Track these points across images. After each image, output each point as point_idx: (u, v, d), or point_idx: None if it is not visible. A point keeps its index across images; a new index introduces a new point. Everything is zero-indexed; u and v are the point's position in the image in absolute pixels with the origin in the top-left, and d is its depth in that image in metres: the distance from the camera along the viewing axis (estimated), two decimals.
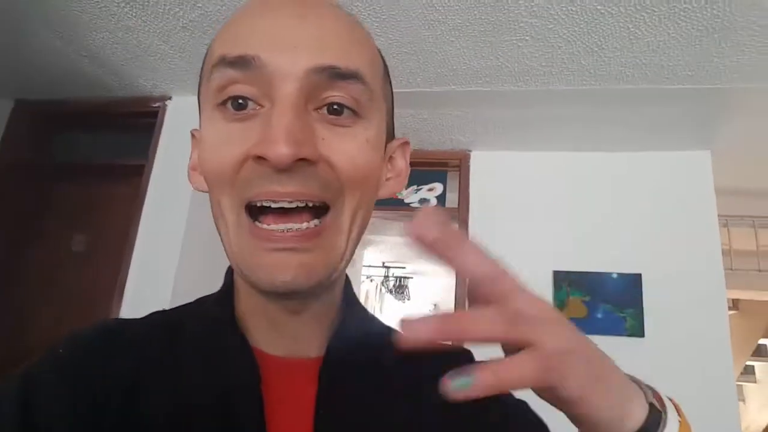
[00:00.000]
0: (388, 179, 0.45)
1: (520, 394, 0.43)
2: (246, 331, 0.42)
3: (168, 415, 0.37)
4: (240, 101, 0.36)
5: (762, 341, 4.76)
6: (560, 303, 2.01)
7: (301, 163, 0.34)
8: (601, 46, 1.54)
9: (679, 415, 0.32)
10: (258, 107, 0.36)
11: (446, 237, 0.27)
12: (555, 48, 1.56)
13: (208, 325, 0.43)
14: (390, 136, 0.45)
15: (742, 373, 5.31)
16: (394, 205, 2.36)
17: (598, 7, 1.39)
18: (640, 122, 1.97)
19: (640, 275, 2.00)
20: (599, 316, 1.98)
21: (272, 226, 0.36)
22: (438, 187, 2.39)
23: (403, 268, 5.54)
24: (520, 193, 2.19)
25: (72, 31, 1.68)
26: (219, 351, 0.41)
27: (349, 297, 0.47)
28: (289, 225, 0.36)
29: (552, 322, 0.28)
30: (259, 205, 0.36)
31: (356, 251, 0.44)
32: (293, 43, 0.36)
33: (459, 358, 0.43)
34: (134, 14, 1.57)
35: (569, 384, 0.27)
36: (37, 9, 1.59)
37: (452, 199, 2.36)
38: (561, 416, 0.30)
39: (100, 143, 2.20)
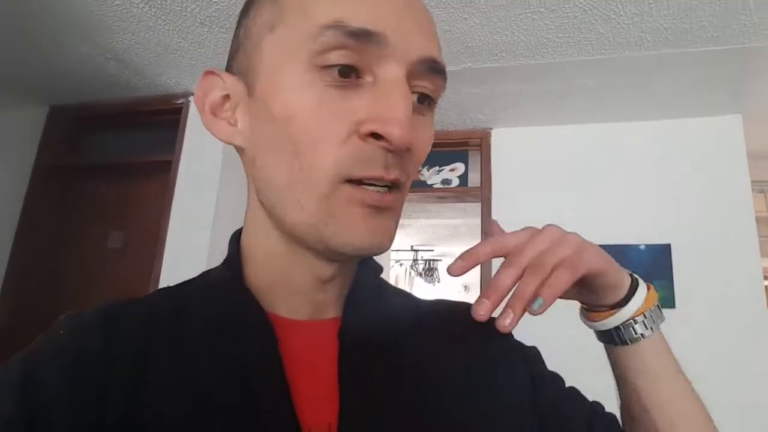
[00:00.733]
0: None
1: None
2: (260, 298, 0.41)
3: (180, 392, 0.36)
4: (347, 69, 0.35)
5: None
6: None
7: (407, 150, 0.36)
8: (618, 13, 1.51)
9: (646, 283, 0.49)
10: (359, 80, 0.35)
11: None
12: (570, 18, 1.53)
13: (215, 294, 0.42)
14: None
15: None
16: (417, 187, 2.37)
17: None
18: (664, 89, 1.92)
19: (669, 246, 1.96)
20: None
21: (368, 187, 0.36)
22: (460, 167, 2.39)
23: (431, 250, 5.56)
24: (543, 169, 2.17)
25: (96, 34, 1.75)
26: (230, 317, 0.40)
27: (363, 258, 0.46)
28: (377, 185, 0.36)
29: (562, 241, 0.43)
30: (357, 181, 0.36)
31: None
32: (411, 28, 0.36)
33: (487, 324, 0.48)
34: (153, 14, 1.62)
35: (594, 265, 0.43)
36: (64, 16, 1.65)
37: (474, 179, 2.35)
38: None
39: (130, 142, 2.28)
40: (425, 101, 0.38)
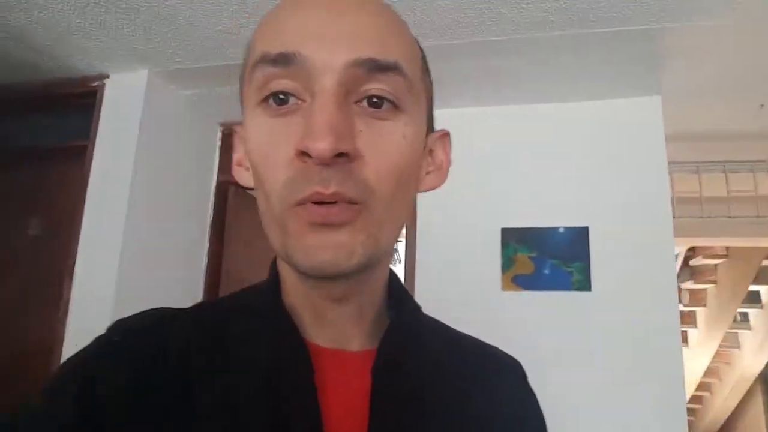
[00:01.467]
0: (428, 173, 0.46)
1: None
2: (295, 320, 0.43)
3: (220, 404, 0.38)
4: (281, 96, 0.37)
5: (753, 287, 4.71)
6: (508, 260, 2.00)
7: (341, 159, 0.35)
8: None
9: None
10: (299, 102, 0.37)
11: None
12: (470, 1, 1.50)
13: (257, 315, 0.44)
14: (430, 128, 0.45)
15: (737, 321, 5.29)
16: None
17: None
18: (581, 70, 1.91)
19: (587, 228, 1.97)
20: (546, 271, 1.96)
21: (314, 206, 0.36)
22: None
23: None
24: (464, 152, 2.14)
25: None
26: (269, 340, 0.42)
27: (399, 293, 0.48)
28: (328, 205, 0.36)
29: None
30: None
31: None
32: (332, 37, 0.36)
33: (508, 369, 0.51)
34: None
35: None
36: None
37: None
38: None
39: (44, 126, 2.21)
40: (382, 104, 0.37)
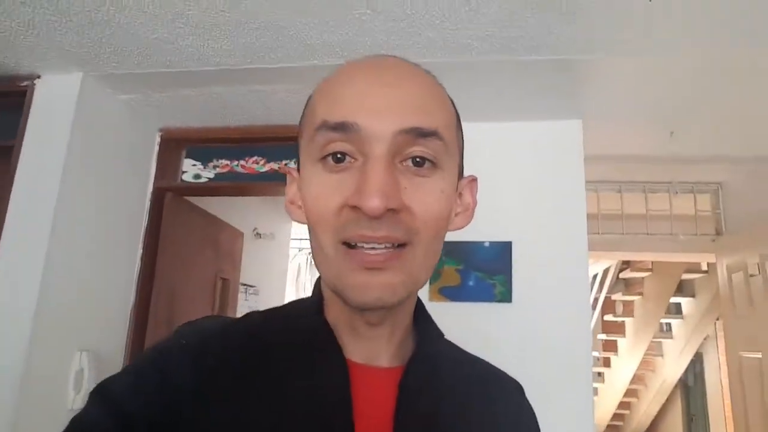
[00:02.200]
0: (457, 214, 0.52)
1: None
2: (336, 338, 0.49)
3: (268, 405, 0.44)
4: (339, 155, 0.43)
5: (674, 299, 5.05)
6: (436, 272, 2.09)
7: (389, 212, 0.41)
8: (442, 20, 1.57)
9: None
10: (353, 160, 0.43)
11: None
12: (398, 22, 1.58)
13: (303, 329, 0.50)
14: (460, 174, 0.51)
15: (663, 331, 5.64)
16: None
17: None
18: (507, 93, 2.03)
19: (510, 243, 2.09)
20: (471, 283, 2.06)
21: (364, 249, 0.43)
22: None
23: None
24: None
25: None
26: (313, 352, 0.48)
27: (423, 316, 0.55)
28: (376, 246, 0.42)
29: None
30: (353, 244, 0.43)
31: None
32: (383, 109, 0.43)
33: (512, 388, 0.58)
34: None
35: None
36: None
37: None
38: None
39: None
40: (424, 163, 0.44)
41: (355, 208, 0.42)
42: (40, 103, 2.01)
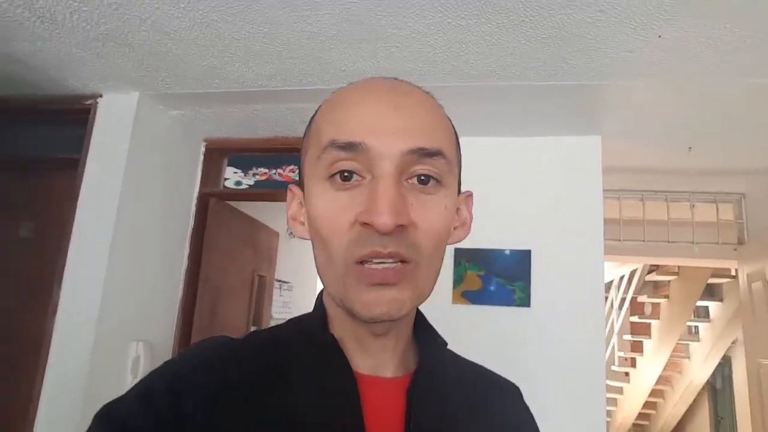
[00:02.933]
0: (455, 228, 0.54)
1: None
2: (343, 352, 0.50)
3: (279, 421, 0.45)
4: (346, 174, 0.45)
5: (702, 303, 5.04)
6: (459, 277, 2.24)
7: (398, 228, 0.43)
8: (465, 51, 1.71)
9: None
10: (360, 179, 0.45)
11: None
12: (423, 52, 1.73)
13: (310, 345, 0.51)
14: (458, 190, 0.53)
15: (691, 333, 5.63)
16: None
17: (448, 20, 1.56)
18: (529, 112, 2.15)
19: (529, 251, 2.22)
20: (492, 288, 2.21)
21: (373, 265, 0.44)
22: None
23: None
24: None
25: None
26: (322, 368, 0.49)
27: (428, 330, 0.56)
28: (383, 263, 0.44)
29: None
30: (362, 261, 0.44)
31: None
32: (391, 131, 0.45)
33: (511, 392, 0.61)
34: (46, 28, 1.73)
35: None
36: None
37: None
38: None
39: (40, 139, 2.39)
40: (429, 181, 0.46)
41: (365, 224, 0.43)
42: (102, 119, 2.24)
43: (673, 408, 5.93)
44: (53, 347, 2.02)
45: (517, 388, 0.62)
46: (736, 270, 3.92)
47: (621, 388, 5.93)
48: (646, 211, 3.06)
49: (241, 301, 3.10)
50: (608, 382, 5.92)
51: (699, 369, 5.33)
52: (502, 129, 2.32)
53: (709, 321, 5.13)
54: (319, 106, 0.51)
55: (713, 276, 4.60)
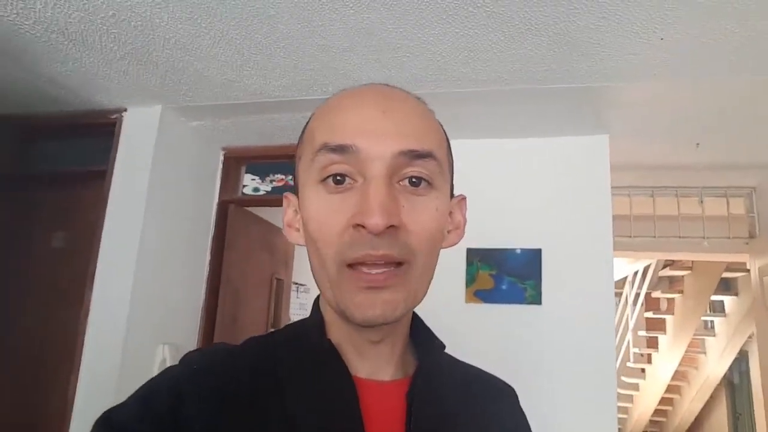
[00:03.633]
0: (449, 231, 0.54)
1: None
2: (341, 357, 0.50)
3: (280, 426, 0.45)
4: (338, 177, 0.45)
5: (717, 297, 5.04)
6: (471, 276, 2.31)
7: (390, 229, 0.43)
8: (473, 58, 1.79)
9: None
10: (353, 182, 0.45)
11: None
12: (433, 61, 1.81)
13: (308, 351, 0.51)
14: (451, 194, 0.54)
15: (707, 328, 5.61)
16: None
17: (456, 30, 1.63)
18: (538, 114, 2.21)
19: (540, 250, 2.28)
20: (504, 287, 2.27)
21: (365, 269, 0.44)
22: None
23: None
24: None
25: (31, 63, 1.95)
26: (321, 373, 0.49)
27: (425, 334, 0.56)
28: (377, 263, 0.44)
29: None
30: (354, 265, 0.45)
31: None
32: (381, 133, 0.45)
33: (507, 394, 0.61)
34: (76, 49, 1.84)
35: None
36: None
37: None
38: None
39: (69, 152, 2.50)
40: (420, 183, 0.46)
41: (357, 226, 0.43)
42: (128, 132, 2.35)
43: (690, 404, 5.91)
44: (86, 351, 2.13)
45: (513, 390, 0.62)
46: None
47: (637, 384, 5.93)
48: (657, 207, 3.09)
49: (260, 304, 3.19)
50: (624, 378, 5.95)
51: (715, 364, 5.32)
52: (511, 131, 2.38)
53: (724, 315, 5.12)
54: (312, 113, 0.52)
55: (728, 270, 4.60)
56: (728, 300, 5.06)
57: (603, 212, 2.28)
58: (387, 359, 0.52)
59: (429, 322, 0.57)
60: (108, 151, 2.35)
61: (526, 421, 0.60)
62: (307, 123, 0.52)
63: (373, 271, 0.44)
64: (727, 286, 5.05)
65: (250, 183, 2.82)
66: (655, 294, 5.48)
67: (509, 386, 0.62)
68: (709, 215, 3.05)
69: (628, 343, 5.91)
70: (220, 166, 2.78)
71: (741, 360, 5.55)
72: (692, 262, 4.73)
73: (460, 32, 1.65)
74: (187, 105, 2.28)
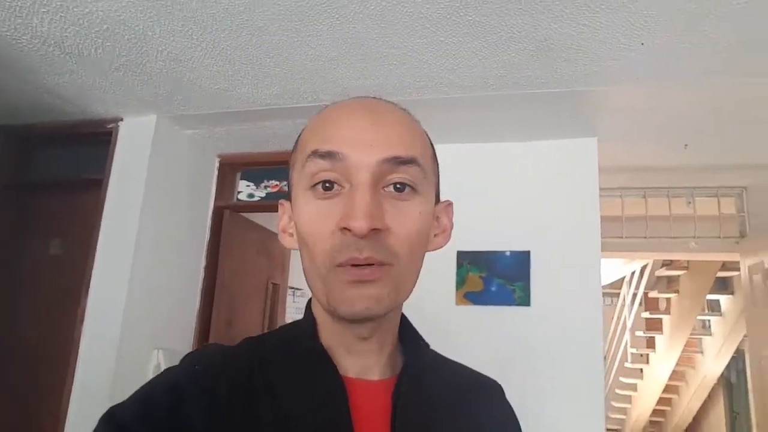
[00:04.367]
0: (435, 235, 0.56)
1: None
2: (331, 358, 0.52)
3: (273, 424, 0.47)
4: (327, 184, 0.48)
5: (713, 297, 5.06)
6: (461, 279, 2.34)
7: (374, 232, 0.46)
8: (459, 65, 1.83)
9: None
10: (340, 188, 0.48)
11: None
12: (418, 68, 1.85)
13: (300, 352, 0.53)
14: (437, 199, 0.56)
15: (705, 327, 5.64)
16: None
17: (441, 39, 1.68)
18: (525, 118, 2.25)
19: (529, 252, 2.31)
20: (493, 289, 2.30)
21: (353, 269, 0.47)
22: None
23: None
24: None
25: (29, 74, 2.00)
26: (311, 373, 0.51)
27: (412, 333, 0.59)
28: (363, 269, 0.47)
29: None
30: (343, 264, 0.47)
31: None
32: (368, 142, 0.48)
33: (494, 390, 0.63)
34: (71, 61, 1.88)
35: None
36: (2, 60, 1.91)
37: None
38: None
39: (66, 161, 2.55)
40: (404, 188, 0.49)
41: (344, 230, 0.46)
42: (123, 141, 2.39)
43: (688, 404, 5.93)
44: (81, 356, 2.16)
45: (500, 386, 0.64)
46: None
47: (635, 384, 5.95)
48: (649, 207, 3.13)
49: (256, 309, 3.23)
50: (622, 379, 5.97)
51: (712, 363, 5.34)
52: (499, 135, 2.41)
53: (721, 315, 5.15)
54: (306, 125, 0.55)
55: (724, 269, 4.63)
56: (724, 299, 5.09)
57: (591, 215, 2.31)
58: (376, 358, 0.54)
59: (419, 324, 0.60)
60: (104, 159, 2.39)
61: (514, 414, 0.62)
62: (301, 133, 0.55)
63: (359, 269, 0.47)
64: (723, 285, 5.08)
65: (244, 189, 2.86)
66: (652, 294, 5.51)
67: (496, 382, 0.64)
68: (700, 215, 3.09)
69: (626, 343, 5.94)
70: (215, 173, 2.82)
71: (738, 359, 5.57)
72: (688, 261, 4.76)
73: (444, 41, 1.69)
74: (182, 114, 2.32)
